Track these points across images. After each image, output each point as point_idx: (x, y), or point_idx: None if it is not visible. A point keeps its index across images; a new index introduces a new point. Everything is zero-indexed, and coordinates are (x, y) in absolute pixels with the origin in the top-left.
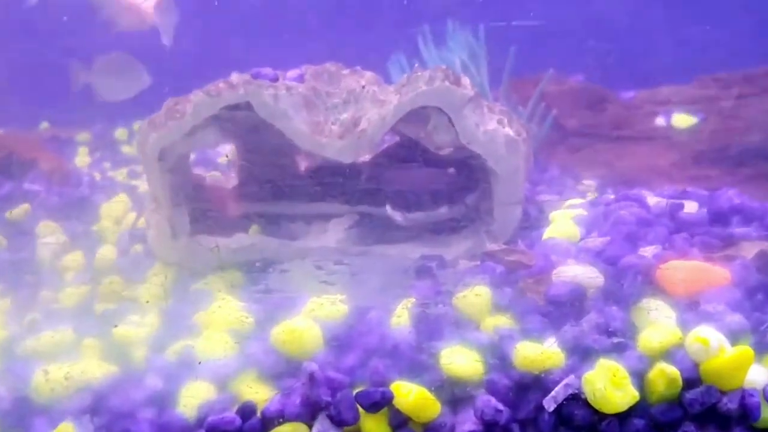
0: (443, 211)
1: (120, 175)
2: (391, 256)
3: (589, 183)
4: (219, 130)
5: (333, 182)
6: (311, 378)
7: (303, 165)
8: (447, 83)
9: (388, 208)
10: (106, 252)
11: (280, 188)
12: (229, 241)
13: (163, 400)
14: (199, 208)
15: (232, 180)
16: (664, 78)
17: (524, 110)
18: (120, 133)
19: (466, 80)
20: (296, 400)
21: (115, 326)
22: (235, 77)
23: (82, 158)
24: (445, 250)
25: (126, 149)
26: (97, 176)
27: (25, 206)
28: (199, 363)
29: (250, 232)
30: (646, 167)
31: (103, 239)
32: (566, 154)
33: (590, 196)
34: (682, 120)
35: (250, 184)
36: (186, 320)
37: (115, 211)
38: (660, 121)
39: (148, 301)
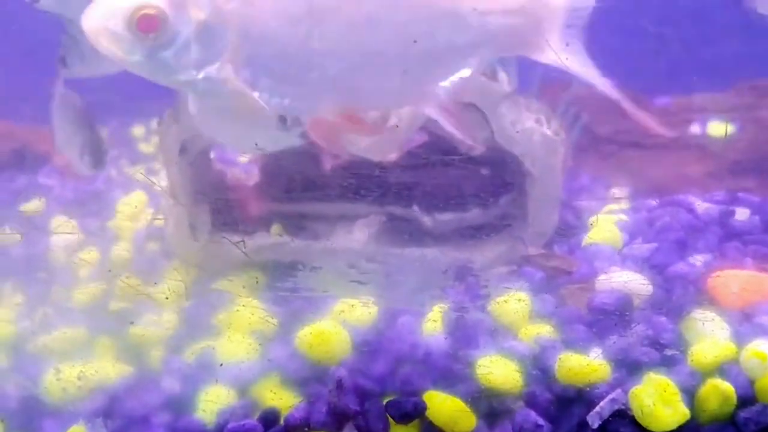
0: (474, 213)
1: (137, 172)
2: (418, 260)
3: (620, 191)
4: None
5: (359, 181)
6: (339, 385)
7: (328, 163)
8: (483, 78)
9: (416, 210)
10: (122, 249)
11: (304, 186)
12: (251, 240)
13: (180, 405)
14: (219, 205)
15: (254, 177)
16: (701, 85)
17: (554, 115)
18: (137, 130)
19: (503, 75)
20: (322, 408)
21: (131, 323)
22: None
23: None
24: (477, 255)
25: (143, 147)
26: (113, 173)
27: (40, 201)
28: (221, 365)
29: (272, 231)
30: (680, 176)
31: (119, 236)
32: (597, 161)
33: (623, 205)
34: (718, 129)
35: (273, 182)
36: (205, 320)
37: (131, 208)
38: (695, 129)
39: (167, 298)
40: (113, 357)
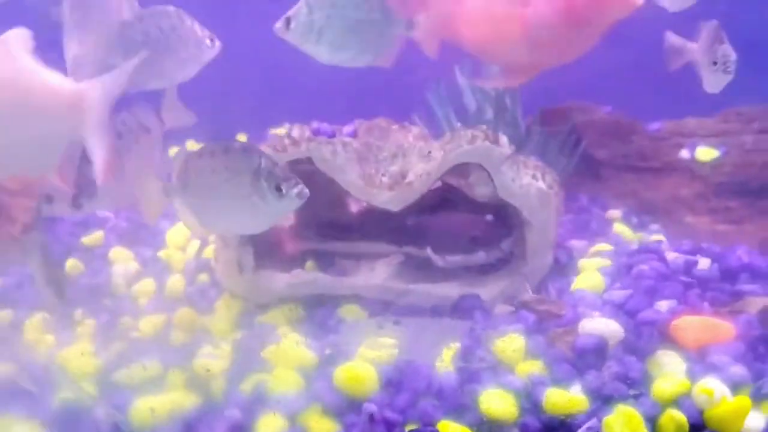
0: (480, 255)
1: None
2: (432, 294)
3: (615, 212)
4: None
5: (381, 225)
6: (371, 418)
7: (354, 208)
8: (487, 143)
9: (430, 252)
10: (176, 281)
11: (333, 228)
12: (289, 276)
13: (242, 431)
14: (261, 246)
15: (290, 220)
16: (690, 109)
17: (555, 140)
18: (171, 151)
19: (503, 139)
20: None
21: (208, 371)
22: (297, 133)
23: None
24: (482, 290)
25: None
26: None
27: (99, 233)
28: (278, 402)
29: (306, 267)
30: (670, 198)
31: (171, 267)
32: (594, 184)
33: (617, 227)
34: (705, 153)
35: (307, 224)
36: (256, 352)
37: (179, 238)
38: (684, 153)
39: (234, 340)
40: (183, 387)
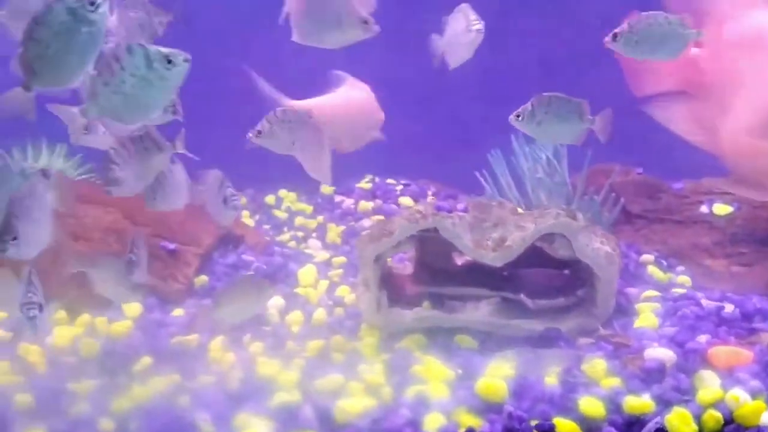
0: (561, 300)
1: (285, 239)
2: (523, 328)
3: (648, 257)
4: (411, 241)
5: (482, 275)
6: (509, 415)
7: (459, 261)
8: (568, 219)
9: (522, 297)
10: (319, 314)
11: (443, 275)
12: (412, 312)
13: (414, 424)
14: (391, 289)
15: (409, 269)
16: (707, 170)
17: (597, 198)
18: (269, 198)
19: (579, 216)
20: (499, 427)
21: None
22: (422, 208)
23: (246, 220)
24: (562, 325)
25: (276, 213)
26: (266, 239)
27: (250, 273)
28: (432, 403)
29: (423, 306)
30: (693, 245)
31: (309, 302)
32: (631, 233)
33: (650, 269)
34: (721, 209)
35: (423, 272)
36: (405, 371)
37: (309, 278)
38: (704, 208)
39: (384, 360)
40: (362, 393)
